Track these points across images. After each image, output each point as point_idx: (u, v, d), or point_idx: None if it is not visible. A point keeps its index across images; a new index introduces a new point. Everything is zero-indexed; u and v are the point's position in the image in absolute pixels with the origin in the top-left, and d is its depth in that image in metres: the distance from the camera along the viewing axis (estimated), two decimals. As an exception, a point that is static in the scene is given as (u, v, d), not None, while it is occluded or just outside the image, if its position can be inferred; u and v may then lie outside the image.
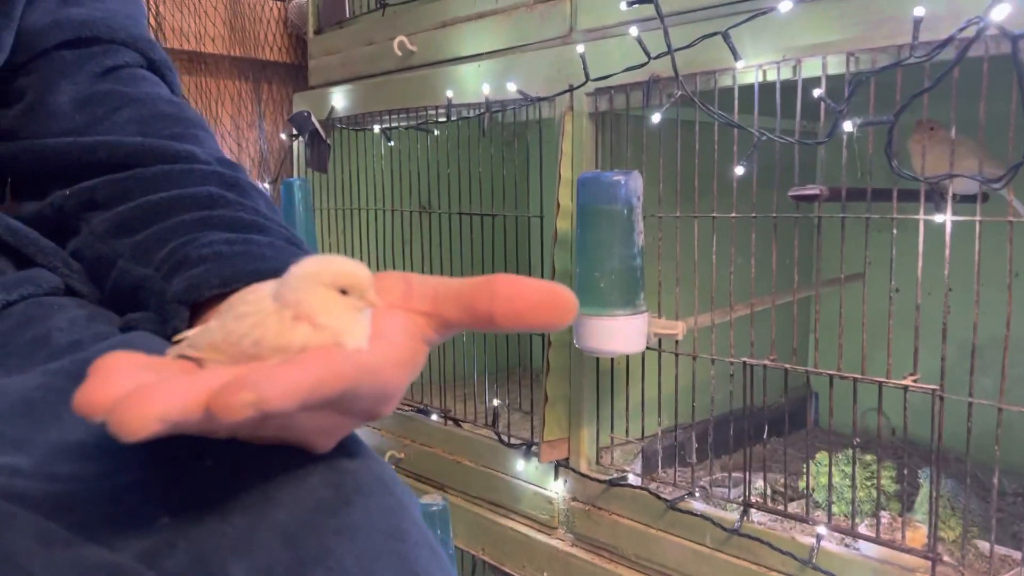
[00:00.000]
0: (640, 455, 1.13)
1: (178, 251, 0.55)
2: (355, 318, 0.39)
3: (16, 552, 0.35)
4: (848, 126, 0.81)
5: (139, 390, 0.31)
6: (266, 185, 1.61)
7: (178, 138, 0.66)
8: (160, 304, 0.54)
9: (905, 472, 1.00)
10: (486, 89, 1.17)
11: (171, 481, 0.41)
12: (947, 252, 0.81)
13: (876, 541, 0.88)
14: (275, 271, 0.52)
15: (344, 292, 0.40)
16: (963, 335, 0.83)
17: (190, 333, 0.42)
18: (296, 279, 0.39)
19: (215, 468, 0.41)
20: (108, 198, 0.62)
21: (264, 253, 0.54)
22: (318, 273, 0.39)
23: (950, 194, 0.80)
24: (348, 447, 0.44)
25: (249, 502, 0.40)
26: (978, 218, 0.79)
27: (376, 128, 1.36)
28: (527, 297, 0.42)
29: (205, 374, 0.35)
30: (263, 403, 0.31)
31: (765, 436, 0.99)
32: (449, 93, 1.22)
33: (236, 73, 1.58)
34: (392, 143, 1.36)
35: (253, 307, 0.39)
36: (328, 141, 1.47)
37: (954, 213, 0.80)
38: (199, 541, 0.38)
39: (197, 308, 0.52)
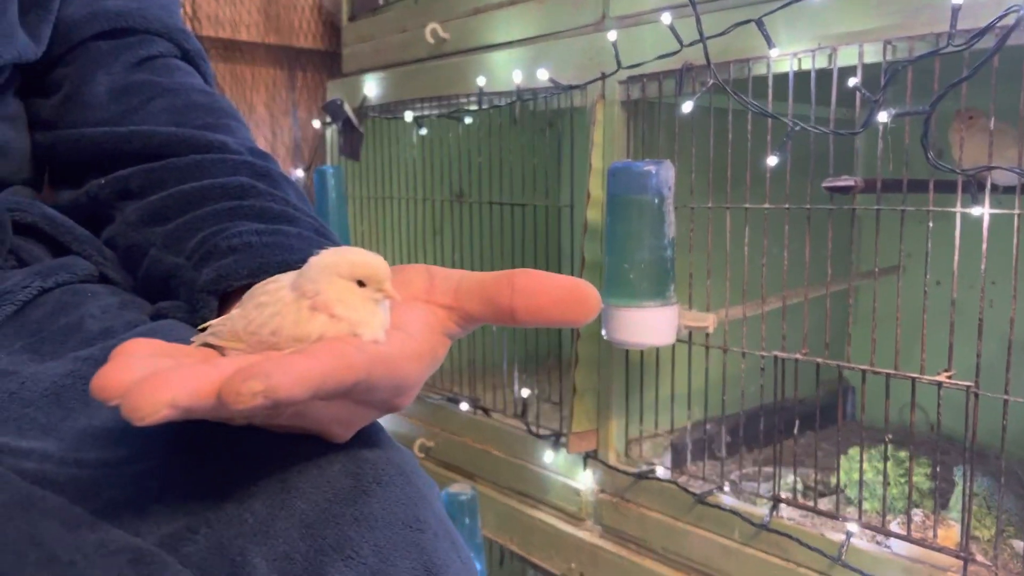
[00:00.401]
0: (669, 448, 1.12)
1: (208, 241, 0.56)
2: (372, 309, 0.40)
3: (43, 535, 0.36)
4: (883, 116, 0.79)
5: (152, 375, 0.31)
6: (299, 173, 1.62)
7: (211, 128, 0.67)
8: (190, 293, 0.55)
9: (939, 469, 0.98)
10: (517, 77, 1.16)
11: (193, 468, 0.42)
12: (984, 246, 0.78)
13: (907, 539, 0.86)
14: (302, 262, 0.53)
15: (361, 284, 0.40)
16: (1000, 330, 0.81)
17: (215, 321, 0.42)
18: (314, 270, 0.40)
19: (236, 455, 0.42)
20: (142, 187, 0.63)
21: (292, 244, 0.55)
22: (335, 264, 0.40)
23: (988, 186, 0.78)
24: (369, 436, 0.45)
25: (269, 490, 0.40)
26: (1017, 211, 0.77)
27: (408, 116, 1.36)
28: (548, 292, 0.42)
29: (220, 361, 0.35)
30: (272, 392, 0.31)
31: (796, 430, 0.97)
32: (481, 81, 1.22)
33: (271, 60, 1.59)
34: (424, 131, 1.36)
35: (272, 297, 0.40)
36: (361, 129, 1.47)
37: (994, 205, 0.78)
38: (219, 528, 0.39)
39: (226, 297, 0.53)
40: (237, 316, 0.41)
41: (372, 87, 1.46)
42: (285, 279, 0.41)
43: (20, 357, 0.51)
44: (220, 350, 0.41)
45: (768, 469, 1.10)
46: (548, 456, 1.19)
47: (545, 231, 1.23)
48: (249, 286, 0.52)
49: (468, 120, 1.26)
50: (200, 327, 0.44)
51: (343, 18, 1.57)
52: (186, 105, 0.68)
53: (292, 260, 0.51)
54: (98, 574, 0.36)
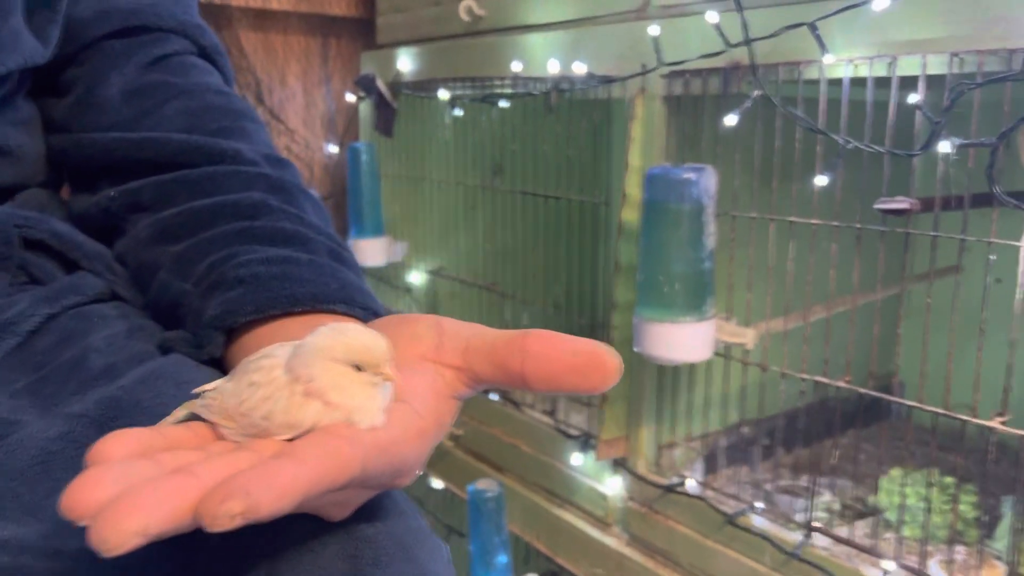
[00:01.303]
0: (701, 457, 1.09)
1: (216, 268, 0.54)
2: (370, 393, 0.37)
3: None
4: (945, 146, 0.72)
5: (121, 499, 0.29)
6: (333, 149, 1.58)
7: (225, 132, 0.65)
8: (196, 325, 0.53)
9: (983, 501, 0.93)
10: (553, 66, 1.10)
11: (176, 560, 0.40)
12: (1051, 284, 0.72)
13: (948, 584, 0.82)
14: (312, 296, 0.51)
15: (359, 366, 0.37)
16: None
17: (209, 387, 0.40)
18: (308, 353, 0.38)
19: (222, 545, 0.39)
20: (153, 201, 0.62)
21: (302, 275, 0.53)
22: (331, 348, 0.37)
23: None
24: (370, 508, 0.43)
25: None
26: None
27: (442, 94, 1.30)
28: (562, 359, 0.39)
29: (200, 469, 0.33)
30: (252, 511, 0.29)
31: (837, 438, 0.93)
32: (516, 67, 1.16)
33: (303, 29, 1.54)
34: (459, 112, 1.31)
35: (265, 376, 0.38)
36: (394, 105, 1.42)
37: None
38: None
39: (233, 331, 0.51)
40: (229, 393, 0.39)
41: (406, 62, 1.41)
42: (280, 353, 0.39)
43: (21, 402, 0.49)
44: (211, 425, 0.39)
45: (804, 481, 1.06)
46: (576, 458, 1.16)
47: (580, 225, 1.18)
48: (257, 320, 0.51)
49: (503, 104, 1.21)
50: (194, 391, 0.41)
51: (378, -15, 1.51)
52: (201, 107, 0.66)
53: (300, 293, 0.50)
54: None
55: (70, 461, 0.43)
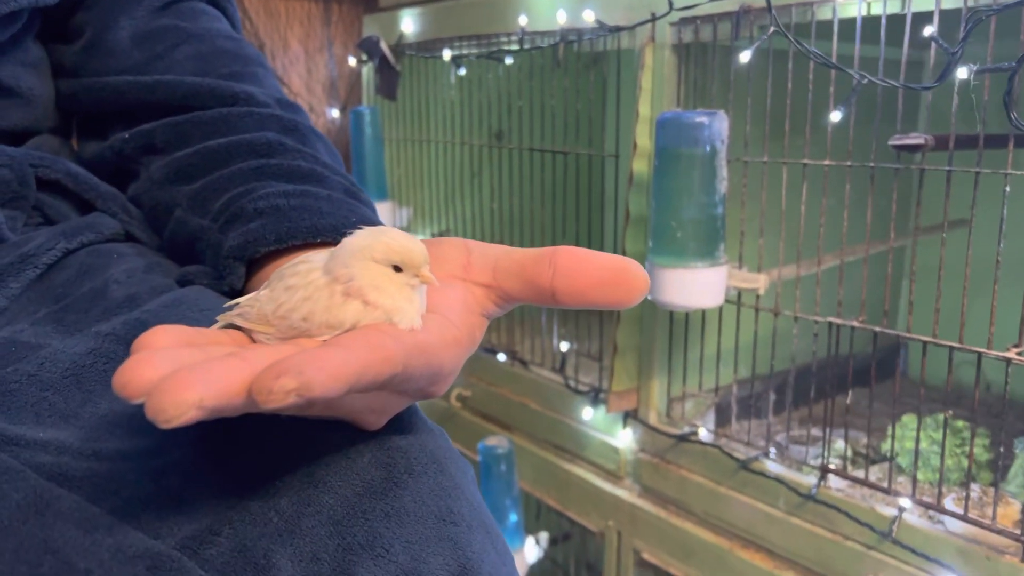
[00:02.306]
0: (713, 408, 1.09)
1: (234, 203, 0.54)
2: (409, 296, 0.37)
3: (58, 541, 0.34)
4: (963, 72, 0.72)
5: (177, 373, 0.29)
6: (335, 113, 1.57)
7: (237, 76, 0.65)
8: (216, 257, 0.53)
9: (1001, 438, 0.94)
10: (561, 17, 1.09)
11: (216, 462, 0.40)
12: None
13: (964, 519, 0.82)
14: (332, 227, 0.50)
15: (398, 268, 0.37)
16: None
17: (243, 300, 0.40)
18: (347, 253, 0.37)
19: (260, 447, 0.40)
20: (167, 142, 0.61)
21: (321, 207, 0.52)
22: (370, 247, 0.37)
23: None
24: (401, 421, 0.43)
25: (295, 485, 0.38)
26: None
27: (446, 55, 1.30)
28: (592, 274, 0.39)
29: (248, 354, 0.33)
30: (306, 389, 0.29)
31: (849, 391, 0.93)
32: (523, 20, 1.15)
33: (305, -7, 1.53)
34: (463, 71, 1.30)
35: (303, 279, 0.38)
36: (398, 68, 1.41)
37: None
38: (243, 529, 0.37)
39: (253, 263, 0.51)
40: (265, 298, 0.39)
41: (409, 23, 1.40)
42: (316, 259, 0.39)
43: (44, 328, 0.49)
44: (247, 332, 0.39)
45: (816, 432, 1.06)
46: (587, 412, 1.16)
47: (588, 180, 1.17)
48: (277, 252, 0.50)
49: (509, 61, 1.20)
50: (227, 304, 0.41)
51: (379, -52, 1.50)
52: (212, 52, 0.66)
53: (321, 225, 0.50)
54: None
55: (100, 374, 0.43)
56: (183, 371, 0.29)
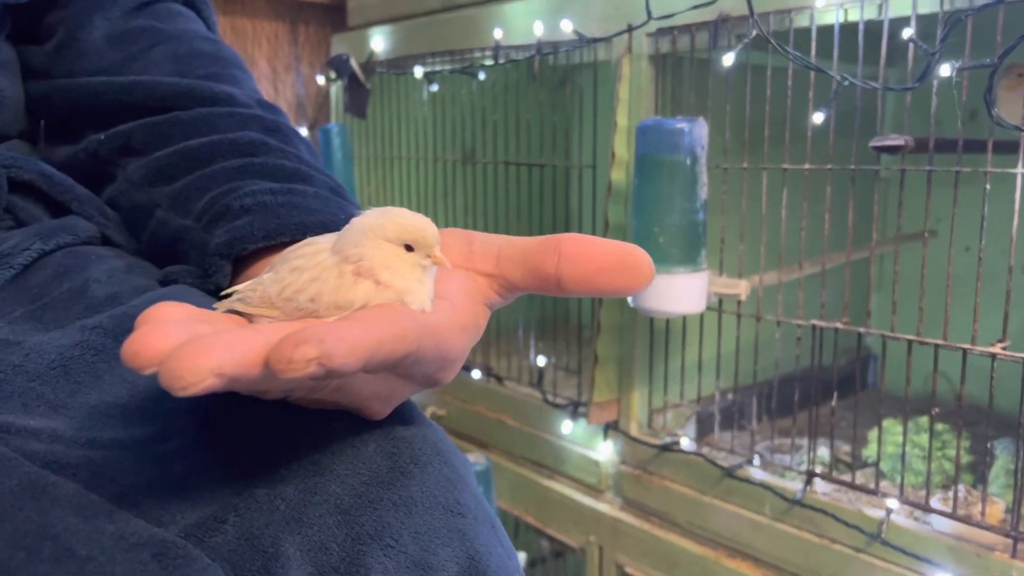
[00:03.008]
0: (694, 418, 1.08)
1: (219, 201, 0.52)
2: (420, 276, 0.37)
3: (57, 527, 0.32)
4: (946, 70, 0.74)
5: (194, 341, 0.28)
6: (304, 131, 1.56)
7: (215, 78, 0.63)
8: (201, 257, 0.51)
9: (989, 432, 0.95)
10: (538, 29, 1.10)
11: (217, 449, 0.39)
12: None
13: (953, 517, 0.82)
14: (321, 224, 0.49)
15: (409, 248, 0.37)
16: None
17: (242, 287, 0.39)
18: (358, 232, 0.36)
19: (263, 435, 0.38)
20: (145, 143, 0.59)
21: (309, 205, 0.51)
22: (382, 227, 0.36)
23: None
24: (403, 414, 0.42)
25: (301, 473, 0.37)
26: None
27: (418, 72, 1.30)
28: (597, 259, 0.38)
29: (262, 327, 0.32)
30: (326, 358, 0.28)
31: (833, 400, 0.93)
32: (498, 34, 1.16)
33: (272, 13, 1.52)
34: (435, 87, 1.30)
35: (310, 261, 0.37)
36: (368, 85, 1.41)
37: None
38: (249, 516, 0.35)
39: (239, 261, 0.49)
40: (269, 281, 0.37)
41: (380, 41, 1.40)
42: (323, 241, 0.38)
43: (22, 326, 0.47)
44: (248, 318, 0.38)
45: (799, 441, 1.06)
46: (566, 426, 1.15)
47: (565, 191, 1.18)
48: (264, 250, 0.49)
49: (483, 76, 1.20)
50: (223, 292, 0.40)
51: (348, -32, 1.50)
52: (189, 53, 0.64)
53: (309, 222, 0.48)
54: (119, 571, 0.32)
55: (89, 366, 0.41)
56: (200, 338, 0.28)
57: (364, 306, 0.35)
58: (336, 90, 1.49)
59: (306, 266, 0.36)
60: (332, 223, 0.48)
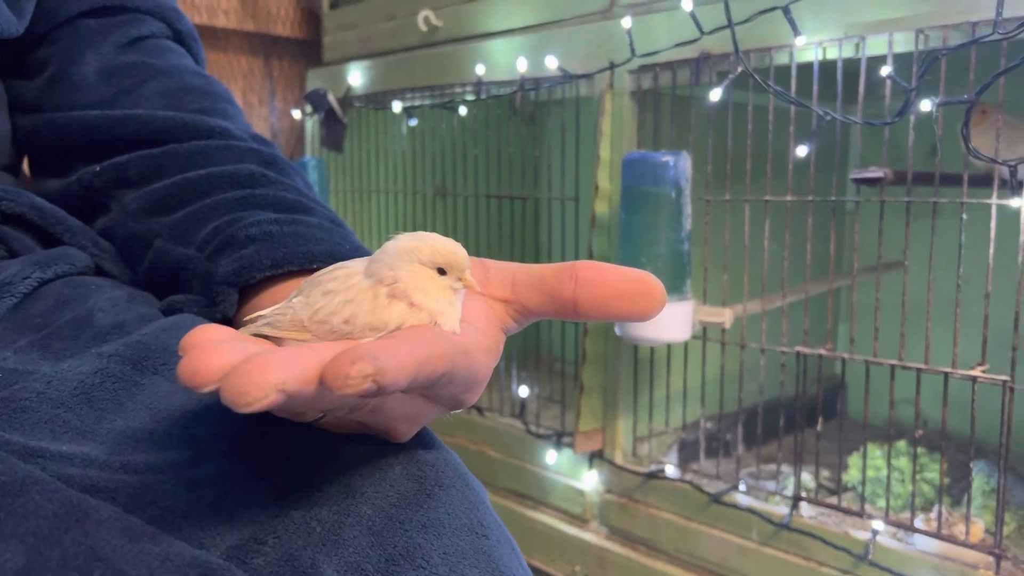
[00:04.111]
0: (676, 445, 1.10)
1: (223, 231, 0.52)
2: (451, 299, 0.38)
3: (104, 549, 0.32)
4: (926, 105, 0.77)
5: (256, 357, 0.28)
6: (279, 165, 1.56)
7: (208, 112, 0.63)
8: (204, 286, 0.51)
9: (971, 453, 0.98)
10: (522, 65, 1.12)
11: (251, 472, 0.39)
12: (1021, 238, 0.77)
13: (938, 536, 0.85)
14: (328, 253, 0.50)
15: (441, 272, 0.38)
16: (1004, 324, 0.81)
17: (267, 312, 0.39)
18: (393, 255, 0.37)
19: (294, 458, 0.39)
20: (141, 175, 0.59)
21: (315, 235, 0.52)
22: (417, 250, 0.37)
23: (1026, 178, 0.77)
24: (423, 438, 0.43)
25: (333, 495, 0.38)
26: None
27: (397, 106, 1.31)
28: (614, 285, 0.40)
29: (314, 347, 0.32)
30: (381, 375, 0.29)
31: (818, 425, 0.95)
32: (480, 69, 1.18)
33: (247, 48, 1.52)
34: (415, 121, 1.32)
35: (344, 283, 0.37)
36: (345, 120, 1.42)
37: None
38: (287, 538, 0.36)
39: (244, 291, 0.50)
40: (299, 304, 0.38)
41: (357, 76, 1.41)
42: (355, 265, 0.38)
43: (29, 355, 0.46)
44: (277, 342, 0.38)
45: (773, 467, 1.08)
46: (550, 457, 1.15)
47: (523, 224, 1.20)
48: (270, 279, 0.49)
49: (463, 111, 1.22)
50: (249, 317, 0.40)
51: (324, 6, 1.51)
52: (181, 88, 0.64)
53: (317, 251, 0.49)
54: None
55: (110, 393, 0.42)
56: (261, 355, 0.29)
57: (398, 327, 0.36)
58: (312, 124, 1.50)
59: (340, 289, 0.37)
60: (339, 252, 0.49)
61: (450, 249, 0.38)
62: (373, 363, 0.29)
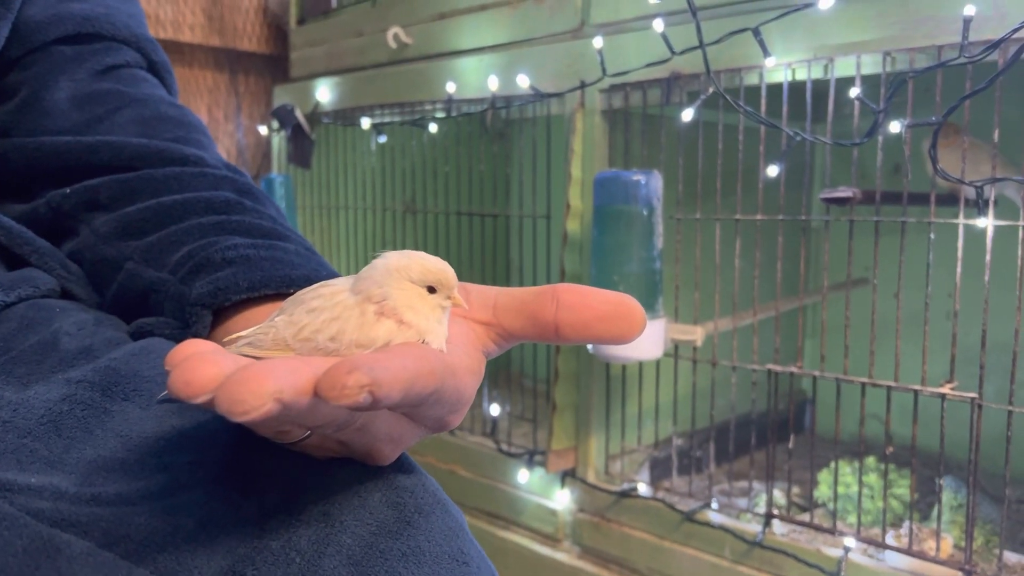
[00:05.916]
0: (648, 463, 1.10)
1: (197, 253, 0.51)
2: (439, 317, 0.37)
3: None
4: (896, 127, 0.78)
5: (252, 366, 0.28)
6: (245, 181, 1.54)
7: (183, 141, 0.62)
8: (176, 309, 0.50)
9: (940, 470, 0.99)
10: (492, 84, 1.12)
11: (227, 502, 0.38)
12: (988, 257, 0.79)
13: (909, 553, 0.85)
14: (305, 278, 0.49)
15: (431, 290, 0.37)
16: (971, 341, 0.82)
17: (247, 332, 0.38)
18: (382, 273, 0.37)
19: (270, 485, 0.38)
20: (113, 198, 0.58)
21: (292, 260, 0.51)
22: (407, 268, 0.37)
23: (992, 198, 0.78)
24: (402, 462, 0.42)
25: (312, 523, 0.37)
26: (1022, 223, 0.77)
27: (366, 123, 1.30)
28: (595, 308, 0.40)
29: (306, 359, 0.31)
30: (376, 386, 0.28)
31: (790, 443, 0.96)
32: (451, 87, 1.18)
33: (213, 64, 1.51)
34: (384, 138, 1.31)
35: (329, 301, 0.37)
36: (312, 136, 1.41)
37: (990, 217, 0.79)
38: (266, 569, 0.35)
39: (217, 314, 0.49)
40: (282, 323, 0.37)
41: (325, 92, 1.40)
42: (339, 283, 0.38)
43: None
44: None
45: (744, 484, 1.09)
46: (522, 476, 1.15)
47: (494, 241, 1.20)
48: (244, 303, 0.48)
49: (433, 128, 1.22)
50: (228, 338, 0.39)
51: (291, 21, 1.50)
52: (155, 117, 0.63)
53: (294, 275, 0.48)
54: None
55: (80, 421, 0.41)
56: (257, 364, 0.28)
57: (386, 344, 0.35)
58: (279, 140, 1.48)
59: (325, 306, 0.36)
60: (315, 277, 0.48)
61: (440, 268, 0.38)
62: (369, 374, 0.28)
